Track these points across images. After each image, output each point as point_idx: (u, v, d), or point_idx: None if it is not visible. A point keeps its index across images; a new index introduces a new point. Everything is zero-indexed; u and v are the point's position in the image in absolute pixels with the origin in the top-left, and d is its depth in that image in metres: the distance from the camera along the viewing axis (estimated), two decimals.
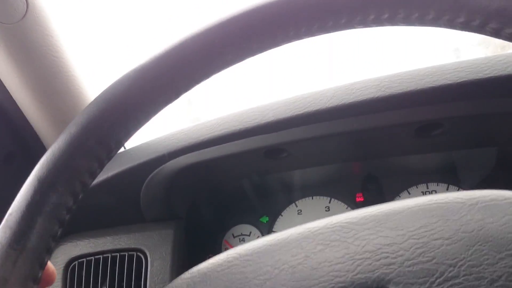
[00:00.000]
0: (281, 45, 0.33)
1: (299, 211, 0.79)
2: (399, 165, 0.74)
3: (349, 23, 0.29)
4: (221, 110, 0.68)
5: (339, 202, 0.78)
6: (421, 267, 0.28)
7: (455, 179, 0.73)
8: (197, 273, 0.33)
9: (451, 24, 0.29)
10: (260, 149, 0.62)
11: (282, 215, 0.79)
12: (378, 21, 0.29)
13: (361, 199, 0.77)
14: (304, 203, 0.79)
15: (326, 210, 0.78)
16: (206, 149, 0.62)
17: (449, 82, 0.54)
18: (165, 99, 0.31)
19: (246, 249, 0.33)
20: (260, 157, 0.64)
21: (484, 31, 0.29)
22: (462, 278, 0.27)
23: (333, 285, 0.29)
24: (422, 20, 0.29)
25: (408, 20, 0.29)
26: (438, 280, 0.27)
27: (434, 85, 0.54)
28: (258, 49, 0.32)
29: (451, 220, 0.30)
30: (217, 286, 0.31)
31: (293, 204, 0.79)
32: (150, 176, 0.64)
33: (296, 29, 0.31)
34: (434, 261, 0.28)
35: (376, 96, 0.56)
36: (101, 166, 0.30)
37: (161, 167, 0.64)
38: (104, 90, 0.30)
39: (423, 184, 0.75)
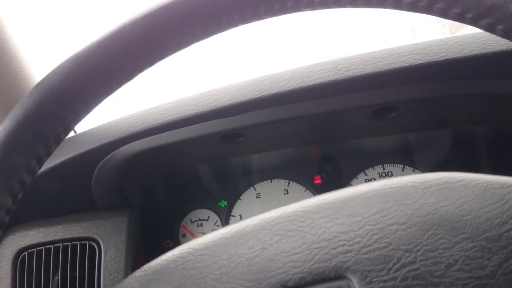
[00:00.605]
0: (228, 29, 0.32)
1: (258, 194, 0.78)
2: (356, 147, 0.74)
3: (296, 6, 0.30)
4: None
5: (298, 185, 0.78)
6: (378, 254, 0.27)
7: (411, 160, 0.74)
8: (149, 271, 0.32)
9: (398, 5, 0.30)
10: (216, 134, 0.60)
11: (240, 199, 0.78)
12: (324, 4, 0.29)
13: (319, 181, 0.77)
14: (263, 187, 0.78)
15: (284, 193, 0.78)
16: (160, 134, 0.60)
17: (406, 64, 0.54)
18: (106, 89, 0.29)
19: (201, 243, 0.32)
20: (217, 142, 0.63)
21: (431, 12, 0.30)
22: (419, 264, 0.27)
23: (290, 276, 0.29)
24: (368, 2, 0.30)
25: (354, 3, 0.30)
26: (395, 267, 0.27)
27: (391, 68, 0.54)
28: (203, 35, 0.31)
29: (406, 204, 0.29)
30: (171, 283, 0.30)
31: (252, 187, 0.78)
32: (101, 162, 0.62)
33: (242, 13, 0.30)
34: (390, 247, 0.28)
35: (334, 79, 0.55)
36: (40, 163, 0.28)
37: (112, 153, 0.61)
38: (39, 81, 0.28)
39: (380, 166, 0.75)
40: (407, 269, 0.27)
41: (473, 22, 0.29)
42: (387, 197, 0.30)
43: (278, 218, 0.31)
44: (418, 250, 0.27)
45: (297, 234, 0.30)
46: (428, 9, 0.30)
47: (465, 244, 0.27)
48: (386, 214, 0.29)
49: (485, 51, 0.53)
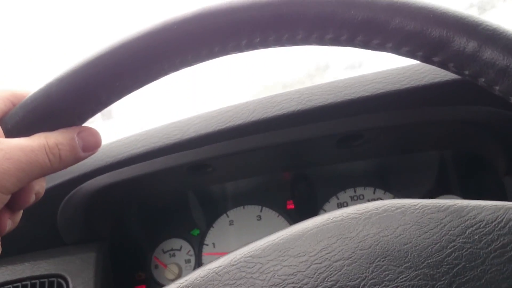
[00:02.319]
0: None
1: (231, 221, 0.77)
2: (327, 172, 0.74)
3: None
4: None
5: (271, 210, 0.77)
6: None
7: (382, 182, 0.74)
8: None
9: (321, 41, 0.31)
10: (183, 166, 0.59)
11: (213, 227, 0.77)
12: (254, 45, 0.32)
13: (292, 206, 0.77)
14: (236, 213, 0.78)
15: (257, 219, 0.77)
16: (125, 168, 0.59)
17: (367, 93, 0.54)
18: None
19: None
20: (184, 173, 0.62)
21: (354, 44, 0.31)
22: None
23: None
24: (293, 40, 0.31)
25: (279, 42, 0.32)
26: None
27: (353, 97, 0.54)
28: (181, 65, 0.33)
29: (349, 238, 0.29)
30: None
31: (225, 214, 0.78)
32: (66, 198, 0.61)
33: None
34: (338, 284, 0.27)
35: (297, 109, 0.55)
36: None
37: (77, 188, 0.60)
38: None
39: (351, 189, 0.75)
40: None
41: (395, 51, 0.31)
42: (330, 232, 0.30)
43: (226, 267, 0.31)
44: (364, 285, 0.27)
45: (247, 281, 0.30)
46: (350, 42, 0.31)
47: (409, 273, 0.27)
48: (331, 250, 0.29)
49: (446, 79, 0.53)
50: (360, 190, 0.75)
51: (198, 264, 0.75)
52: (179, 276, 0.74)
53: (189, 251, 0.76)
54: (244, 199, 0.78)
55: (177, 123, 0.59)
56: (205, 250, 0.76)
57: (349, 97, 0.54)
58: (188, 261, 0.76)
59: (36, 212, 0.64)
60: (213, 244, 0.76)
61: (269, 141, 0.57)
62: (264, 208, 0.77)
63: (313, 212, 0.76)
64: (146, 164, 0.59)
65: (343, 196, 0.75)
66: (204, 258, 0.76)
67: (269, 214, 0.77)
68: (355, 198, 0.75)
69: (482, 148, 0.61)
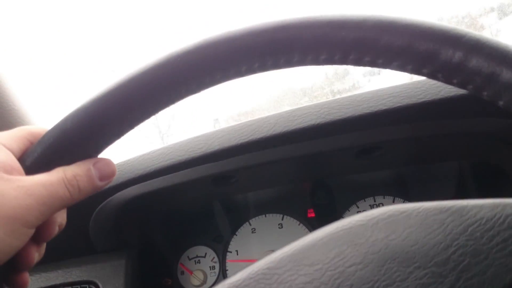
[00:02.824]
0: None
1: (253, 229, 0.80)
2: (347, 181, 0.76)
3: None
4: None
5: (292, 218, 0.79)
6: None
7: (401, 192, 0.76)
8: None
9: (316, 61, 0.33)
10: (207, 177, 0.62)
11: (236, 235, 0.80)
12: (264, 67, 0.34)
13: (313, 214, 0.79)
14: (258, 222, 0.80)
15: (279, 227, 0.79)
16: (153, 180, 0.62)
17: (385, 107, 0.56)
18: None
19: None
20: (209, 184, 0.65)
21: (347, 63, 0.33)
22: None
23: None
24: (290, 63, 0.33)
25: (277, 65, 0.34)
26: None
27: (371, 111, 0.56)
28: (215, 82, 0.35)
29: (359, 244, 0.31)
30: None
31: (247, 223, 0.80)
32: (97, 209, 0.64)
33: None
34: None
35: (317, 122, 0.57)
36: None
37: (108, 199, 0.63)
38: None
39: (371, 198, 0.77)
40: None
41: (386, 66, 0.33)
42: (341, 240, 0.32)
43: (246, 280, 0.33)
44: (378, 287, 0.29)
45: None
46: (344, 61, 0.33)
47: (418, 272, 0.28)
48: (343, 257, 0.31)
49: (461, 92, 0.54)
50: (379, 199, 0.76)
51: (222, 270, 0.78)
52: (204, 282, 0.77)
53: (213, 258, 0.79)
54: (266, 208, 0.80)
55: (201, 137, 0.62)
56: (229, 257, 0.78)
57: (367, 111, 0.56)
58: (212, 267, 0.78)
59: (70, 222, 0.67)
60: (236, 251, 0.79)
61: (290, 153, 0.60)
62: (285, 216, 0.79)
63: (333, 220, 0.77)
64: (172, 176, 0.62)
65: (363, 204, 0.77)
66: (228, 265, 0.78)
67: (290, 222, 0.79)
68: (375, 206, 0.76)
69: (499, 158, 0.62)
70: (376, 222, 0.32)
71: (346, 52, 0.32)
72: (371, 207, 0.76)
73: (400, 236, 0.30)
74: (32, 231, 0.32)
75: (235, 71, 0.34)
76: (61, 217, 0.38)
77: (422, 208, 0.31)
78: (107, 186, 0.63)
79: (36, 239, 0.35)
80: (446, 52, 0.30)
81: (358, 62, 0.33)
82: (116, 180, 0.63)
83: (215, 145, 0.60)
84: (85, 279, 0.67)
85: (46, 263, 0.70)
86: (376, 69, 1.66)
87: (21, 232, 0.31)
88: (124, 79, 0.34)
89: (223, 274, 0.77)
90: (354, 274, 0.30)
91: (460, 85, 0.31)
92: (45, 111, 0.76)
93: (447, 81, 0.32)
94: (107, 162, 0.37)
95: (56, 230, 0.37)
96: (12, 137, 0.35)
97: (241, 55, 0.33)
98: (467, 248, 0.28)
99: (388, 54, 0.32)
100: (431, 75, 0.32)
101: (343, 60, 0.33)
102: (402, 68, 0.32)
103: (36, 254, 0.36)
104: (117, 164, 0.65)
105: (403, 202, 0.75)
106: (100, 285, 0.65)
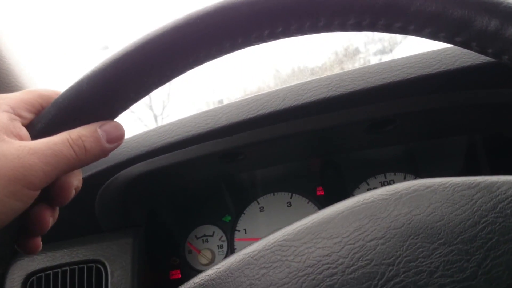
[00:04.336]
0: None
1: (261, 208, 0.78)
2: (357, 158, 0.74)
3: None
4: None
5: (300, 197, 0.78)
6: (362, 272, 0.28)
7: (412, 168, 0.74)
8: None
9: (343, 27, 0.31)
10: (215, 154, 0.61)
11: (244, 213, 0.78)
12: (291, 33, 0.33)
13: (322, 192, 0.77)
14: (266, 200, 0.79)
15: (288, 206, 0.78)
16: (159, 156, 0.61)
17: (399, 78, 0.54)
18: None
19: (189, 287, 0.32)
20: (216, 161, 0.63)
21: (376, 29, 0.31)
22: (403, 276, 0.27)
23: None
24: (315, 28, 0.32)
25: (301, 30, 0.32)
26: (380, 282, 0.27)
27: (384, 82, 0.54)
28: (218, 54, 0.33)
29: (381, 218, 0.30)
30: None
31: (255, 201, 0.79)
32: (103, 186, 0.62)
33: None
34: (373, 263, 0.28)
35: (328, 95, 0.55)
36: None
37: (114, 177, 0.62)
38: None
39: (381, 175, 0.75)
40: (392, 283, 0.27)
41: (417, 33, 0.31)
42: (362, 214, 0.31)
43: (261, 251, 0.32)
44: (399, 263, 0.27)
45: (282, 264, 0.31)
46: (372, 27, 0.31)
47: (443, 249, 0.27)
48: (364, 231, 0.30)
49: (477, 62, 0.53)
50: (390, 176, 0.75)
51: (231, 249, 0.77)
52: (212, 261, 0.76)
53: (222, 237, 0.78)
54: (274, 186, 0.79)
55: (209, 112, 0.60)
56: (237, 236, 0.77)
57: (380, 83, 0.54)
58: (220, 246, 0.77)
59: (75, 201, 0.66)
60: (245, 230, 0.78)
61: (300, 128, 0.58)
62: (294, 194, 0.78)
63: (343, 198, 0.76)
64: (179, 153, 0.60)
65: (373, 181, 0.75)
66: (236, 243, 0.77)
67: (299, 201, 0.78)
68: (385, 183, 0.75)
69: None
70: (400, 197, 0.30)
71: (376, 17, 0.30)
72: (382, 184, 0.75)
73: (424, 211, 0.29)
74: (36, 193, 0.31)
75: (257, 36, 0.32)
76: (77, 180, 0.36)
77: (449, 183, 0.30)
78: (113, 163, 0.62)
79: (51, 203, 0.34)
80: (481, 19, 0.28)
81: (388, 28, 0.31)
82: (122, 157, 0.62)
83: (223, 120, 0.59)
84: (91, 258, 0.66)
85: (51, 242, 0.69)
86: (387, 48, 1.63)
87: (23, 194, 0.29)
88: (143, 41, 0.32)
89: (231, 253, 0.76)
90: (374, 248, 0.28)
91: (495, 55, 0.29)
92: None
93: (482, 50, 0.30)
94: (115, 124, 0.35)
95: (72, 193, 0.36)
96: (21, 100, 0.34)
97: (264, 17, 0.31)
98: (496, 225, 0.27)
99: (420, 20, 0.30)
100: (464, 44, 0.30)
101: (371, 26, 0.31)
102: (434, 36, 0.30)
103: (51, 219, 0.35)
104: None
105: (414, 178, 0.73)
106: (106, 264, 0.65)
